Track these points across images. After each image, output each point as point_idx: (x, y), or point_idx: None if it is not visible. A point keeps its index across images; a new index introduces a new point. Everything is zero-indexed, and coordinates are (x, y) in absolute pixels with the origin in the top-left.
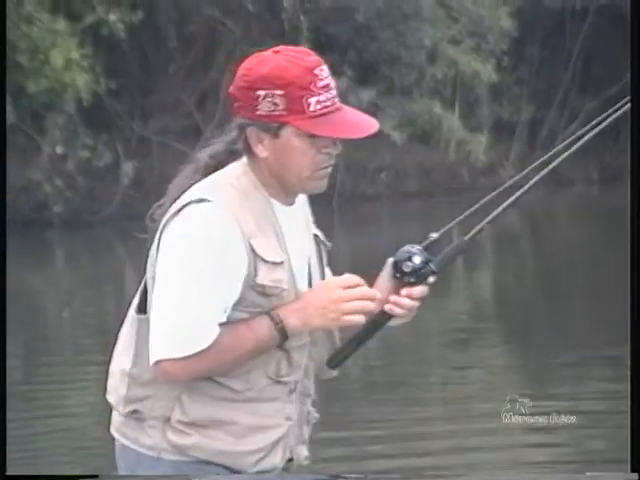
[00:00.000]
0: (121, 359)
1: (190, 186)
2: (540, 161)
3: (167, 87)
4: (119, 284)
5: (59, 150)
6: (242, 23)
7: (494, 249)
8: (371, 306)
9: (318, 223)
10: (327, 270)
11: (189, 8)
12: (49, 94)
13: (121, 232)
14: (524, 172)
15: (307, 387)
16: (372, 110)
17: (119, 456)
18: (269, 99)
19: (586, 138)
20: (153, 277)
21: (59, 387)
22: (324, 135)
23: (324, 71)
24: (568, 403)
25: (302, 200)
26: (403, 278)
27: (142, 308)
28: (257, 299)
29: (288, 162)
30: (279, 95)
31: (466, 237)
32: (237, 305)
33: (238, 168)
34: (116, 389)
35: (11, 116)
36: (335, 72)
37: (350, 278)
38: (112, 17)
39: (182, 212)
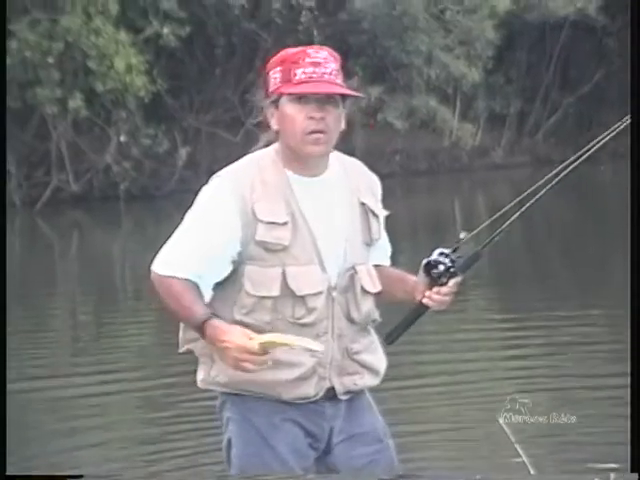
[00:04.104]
0: None
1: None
2: (548, 177)
3: (215, 86)
4: None
5: (124, 139)
6: (274, 34)
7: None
8: (249, 367)
9: None
10: (384, 234)
11: (232, 22)
12: (115, 93)
13: (179, 204)
14: (536, 185)
15: (340, 328)
16: (379, 104)
17: None
18: (273, 76)
19: (589, 153)
20: None
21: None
22: (297, 91)
23: (320, 53)
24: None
25: (353, 171)
26: (432, 282)
27: None
28: (263, 254)
29: (286, 128)
30: (278, 70)
31: (481, 248)
32: (248, 259)
33: (269, 149)
34: (180, 330)
35: (84, 111)
36: (348, 73)
37: (246, 341)
38: (165, 30)
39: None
